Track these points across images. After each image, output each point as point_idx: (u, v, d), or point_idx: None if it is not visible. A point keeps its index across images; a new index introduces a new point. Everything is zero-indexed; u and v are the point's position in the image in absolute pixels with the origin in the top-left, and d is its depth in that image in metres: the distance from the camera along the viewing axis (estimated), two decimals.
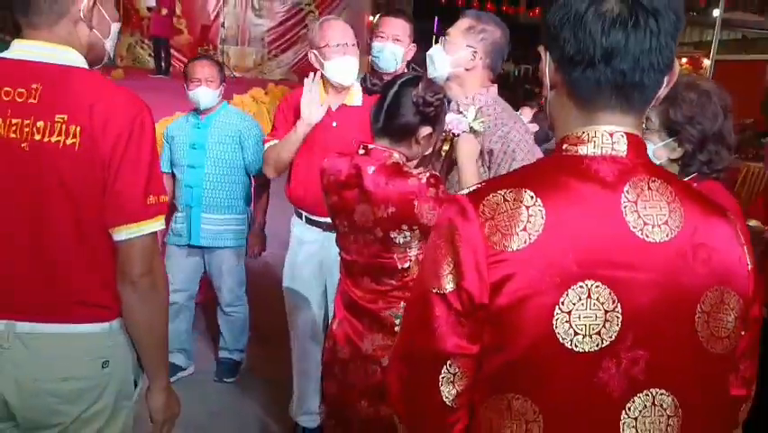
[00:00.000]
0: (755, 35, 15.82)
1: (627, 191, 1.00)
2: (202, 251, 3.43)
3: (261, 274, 4.90)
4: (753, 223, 2.33)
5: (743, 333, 1.06)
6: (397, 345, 1.13)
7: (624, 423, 1.01)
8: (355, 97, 2.80)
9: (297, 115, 2.74)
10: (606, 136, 1.02)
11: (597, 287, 0.97)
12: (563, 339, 0.97)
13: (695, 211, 1.02)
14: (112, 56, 1.69)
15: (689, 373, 1.02)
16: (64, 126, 1.46)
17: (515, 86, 20.59)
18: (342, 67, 2.71)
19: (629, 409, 1.00)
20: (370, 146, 1.95)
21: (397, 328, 1.85)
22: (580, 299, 0.97)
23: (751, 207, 3.53)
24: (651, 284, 0.98)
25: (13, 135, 1.47)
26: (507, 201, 1.00)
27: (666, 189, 1.02)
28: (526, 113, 3.35)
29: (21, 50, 1.53)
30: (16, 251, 1.52)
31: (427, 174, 1.86)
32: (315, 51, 2.75)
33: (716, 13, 17.29)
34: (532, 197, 0.99)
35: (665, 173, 1.06)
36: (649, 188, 1.01)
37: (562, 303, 0.97)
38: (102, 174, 1.48)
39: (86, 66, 1.56)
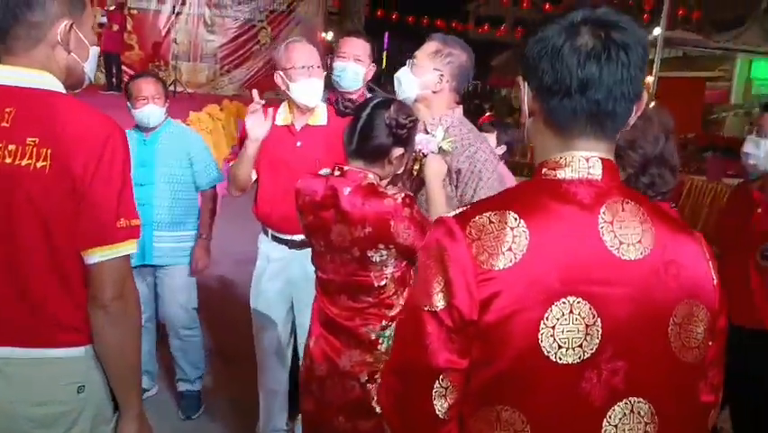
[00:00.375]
0: (696, 53, 16.42)
1: (604, 212, 1.07)
2: (154, 269, 3.39)
3: (219, 293, 4.88)
4: None
5: (710, 343, 1.13)
6: (389, 361, 1.17)
7: (605, 430, 1.07)
8: (319, 117, 2.84)
9: None
10: (582, 161, 1.09)
11: (578, 303, 1.03)
12: (548, 352, 1.03)
13: (664, 230, 1.10)
14: (92, 79, 1.69)
15: (663, 382, 1.09)
16: (35, 149, 1.46)
17: (465, 101, 20.79)
18: (308, 88, 2.75)
19: (610, 417, 1.07)
20: (345, 168, 1.99)
21: (382, 347, 1.88)
22: (563, 315, 1.03)
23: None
24: (627, 299, 1.05)
25: None
26: (493, 223, 1.06)
27: (638, 210, 1.09)
28: (491, 139, 3.45)
29: None
30: None
31: (402, 194, 1.92)
32: (280, 72, 2.79)
33: (657, 31, 17.92)
34: (516, 218, 1.05)
35: (637, 195, 1.13)
36: (623, 209, 1.08)
37: (547, 318, 1.03)
38: (73, 197, 1.48)
39: (63, 90, 1.56)
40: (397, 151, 1.99)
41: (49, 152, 1.46)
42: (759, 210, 2.81)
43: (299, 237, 2.78)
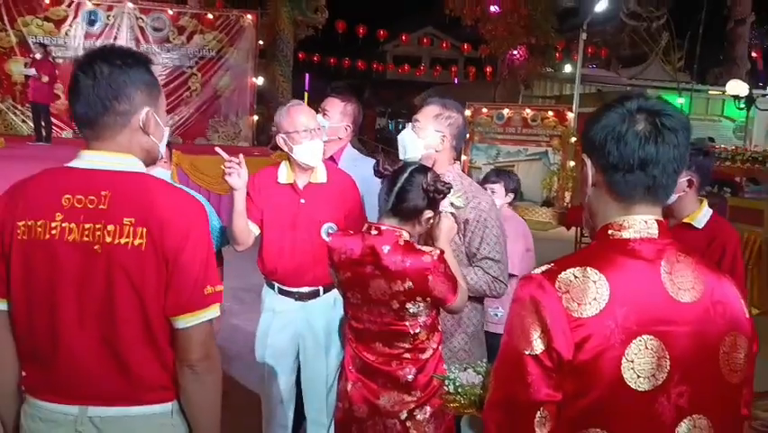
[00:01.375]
0: (609, 89, 17.45)
1: (663, 265, 1.33)
2: None
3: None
4: None
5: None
6: (491, 398, 1.37)
7: None
8: (321, 175, 3.01)
9: (254, 191, 2.94)
10: (642, 223, 1.36)
11: (651, 340, 1.28)
12: (629, 382, 1.27)
13: (710, 276, 1.37)
14: (163, 155, 1.85)
15: (717, 401, 1.35)
16: (132, 229, 1.61)
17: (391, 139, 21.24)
18: (312, 150, 2.92)
19: (678, 432, 1.31)
20: (383, 227, 2.21)
21: (450, 387, 2.05)
22: (639, 351, 1.27)
23: None
24: (687, 335, 1.31)
25: (86, 239, 1.61)
26: (578, 277, 1.30)
27: (689, 261, 1.36)
28: (499, 189, 3.76)
29: (89, 160, 1.67)
30: (89, 343, 1.63)
31: (438, 251, 2.15)
32: (283, 136, 2.94)
33: (568, 68, 18.91)
34: (596, 273, 1.30)
35: (685, 248, 1.39)
36: (678, 261, 1.35)
37: (627, 355, 1.27)
38: (165, 270, 1.63)
39: (145, 170, 1.72)
40: (428, 213, 2.23)
41: (144, 230, 1.61)
42: None
43: (306, 289, 2.95)
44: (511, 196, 3.74)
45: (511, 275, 3.53)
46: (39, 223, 1.62)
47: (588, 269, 1.31)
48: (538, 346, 1.28)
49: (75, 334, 1.63)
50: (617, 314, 1.27)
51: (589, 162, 1.41)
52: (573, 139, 13.16)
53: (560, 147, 13.82)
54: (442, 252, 2.17)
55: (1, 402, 1.77)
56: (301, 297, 2.98)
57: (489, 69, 24.15)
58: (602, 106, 1.41)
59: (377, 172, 2.31)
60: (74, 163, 1.69)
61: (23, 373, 1.74)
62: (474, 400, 1.78)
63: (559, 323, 1.27)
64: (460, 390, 1.83)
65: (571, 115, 13.92)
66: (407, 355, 2.22)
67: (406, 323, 2.18)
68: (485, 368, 1.87)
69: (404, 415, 2.24)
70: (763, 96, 12.64)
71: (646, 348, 1.28)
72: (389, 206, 2.23)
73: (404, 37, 26.05)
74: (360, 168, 3.15)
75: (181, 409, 1.73)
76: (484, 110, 14.53)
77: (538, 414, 1.29)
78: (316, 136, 2.94)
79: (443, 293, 2.17)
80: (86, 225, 1.61)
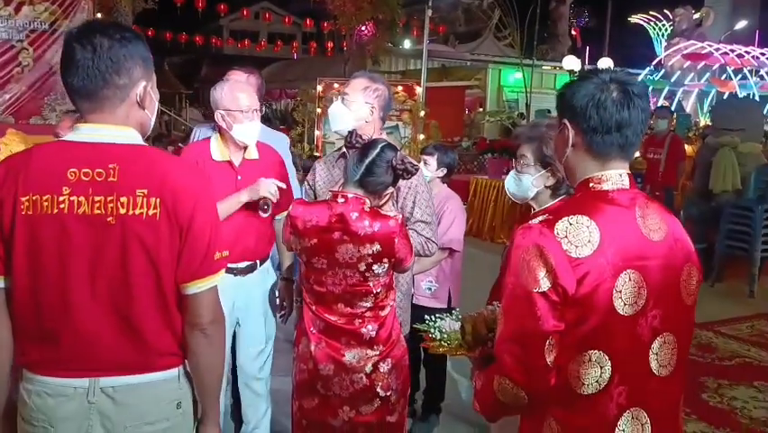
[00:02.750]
0: (451, 64, 18.24)
1: (637, 210, 1.62)
2: None
3: None
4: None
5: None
6: (503, 333, 1.60)
7: (651, 356, 1.61)
8: (253, 152, 3.06)
9: None
10: (617, 176, 1.63)
11: (633, 273, 1.56)
12: (618, 309, 1.54)
13: (669, 218, 1.67)
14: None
15: (679, 320, 1.66)
16: (145, 199, 1.64)
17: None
18: (250, 130, 2.96)
19: (653, 347, 1.61)
20: (349, 195, 2.35)
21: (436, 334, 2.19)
22: (625, 283, 1.55)
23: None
24: (658, 267, 1.60)
25: (98, 211, 1.62)
26: (572, 224, 1.55)
27: (654, 206, 1.66)
28: (432, 161, 3.91)
29: (89, 133, 1.67)
30: (101, 315, 1.66)
31: (400, 216, 2.33)
32: (222, 112, 2.95)
33: (407, 44, 19.49)
34: (587, 219, 1.56)
35: (647, 196, 1.69)
36: (647, 206, 1.64)
37: (616, 286, 1.54)
38: (178, 238, 1.68)
39: (143, 142, 1.74)
40: (390, 189, 2.41)
41: (158, 201, 1.65)
42: None
43: (244, 264, 3.01)
44: (444, 170, 3.88)
45: (453, 250, 3.78)
46: (45, 197, 1.61)
47: (579, 216, 1.56)
48: (545, 284, 1.51)
49: (87, 306, 1.65)
50: (607, 253, 1.53)
51: (569, 126, 1.64)
52: (423, 113, 13.65)
53: (410, 121, 14.24)
54: (402, 216, 2.35)
55: None
56: (239, 272, 3.03)
57: (330, 45, 24.31)
58: (577, 78, 1.67)
59: (348, 143, 2.43)
60: (74, 137, 1.69)
61: (21, 352, 1.72)
62: (461, 343, 1.97)
63: (562, 263, 1.51)
64: (445, 336, 2.02)
65: (419, 90, 14.37)
66: (369, 314, 2.40)
67: (370, 283, 2.35)
68: (460, 316, 2.07)
69: (369, 368, 2.41)
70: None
71: (630, 280, 1.55)
72: (357, 176, 2.37)
73: (245, 11, 25.50)
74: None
75: (186, 373, 1.79)
76: (335, 85, 14.64)
77: (547, 343, 1.53)
78: (256, 117, 2.99)
79: (404, 254, 2.38)
80: (97, 198, 1.62)
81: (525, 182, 2.50)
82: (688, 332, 1.70)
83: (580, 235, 1.53)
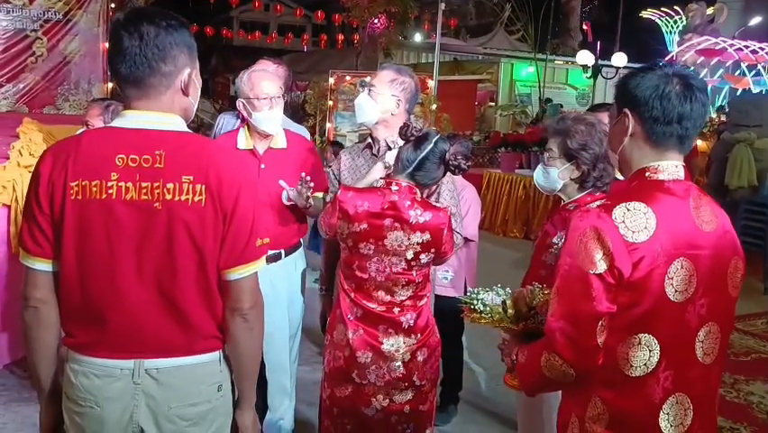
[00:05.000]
0: (464, 57, 18.19)
1: (691, 201, 1.65)
2: None
3: None
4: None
5: None
6: (556, 311, 1.64)
7: (696, 344, 1.65)
8: (280, 141, 3.07)
9: None
10: (673, 167, 1.66)
11: (684, 261, 1.59)
12: (669, 295, 1.58)
13: (719, 211, 1.70)
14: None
15: (724, 311, 1.69)
16: (191, 186, 1.67)
17: None
18: (269, 118, 2.96)
19: (699, 335, 1.65)
20: (403, 183, 2.38)
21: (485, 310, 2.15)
22: (677, 270, 1.59)
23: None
24: (709, 257, 1.63)
25: (145, 197, 1.65)
26: (630, 210, 1.59)
27: (707, 199, 1.69)
28: None
29: (136, 120, 1.70)
30: (148, 298, 1.69)
31: (449, 210, 2.37)
32: (243, 101, 2.97)
33: (418, 37, 19.46)
34: (644, 206, 1.59)
35: (700, 189, 1.71)
36: (700, 198, 1.67)
37: (669, 273, 1.58)
38: (222, 224, 1.71)
39: (187, 129, 1.77)
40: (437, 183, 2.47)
41: (203, 187, 1.67)
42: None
43: (268, 252, 3.02)
44: (468, 168, 3.91)
45: (469, 240, 3.79)
46: (93, 183, 1.64)
47: (636, 203, 1.60)
48: (601, 266, 1.56)
49: (134, 289, 1.68)
50: (661, 240, 1.57)
51: (630, 115, 1.67)
52: (434, 106, 13.65)
53: (421, 114, 14.25)
54: (450, 210, 2.41)
55: (43, 362, 1.78)
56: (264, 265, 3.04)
57: (340, 38, 24.27)
58: (639, 69, 1.70)
59: (403, 136, 2.46)
60: (120, 123, 1.72)
61: (69, 333, 1.75)
62: (502, 317, 2.01)
63: (619, 247, 1.55)
64: (488, 309, 2.05)
65: (431, 83, 14.37)
66: (409, 303, 2.43)
67: (413, 272, 2.39)
68: (504, 291, 2.11)
69: (407, 357, 2.44)
70: (608, 66, 13.77)
71: (682, 268, 1.59)
72: (411, 169, 2.41)
73: (256, 3, 25.47)
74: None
75: (225, 357, 1.83)
76: (347, 78, 14.67)
77: (599, 324, 1.57)
78: (277, 104, 2.98)
79: (448, 247, 2.43)
80: (144, 184, 1.65)
81: (552, 175, 2.52)
82: (730, 323, 1.74)
83: (637, 221, 1.57)
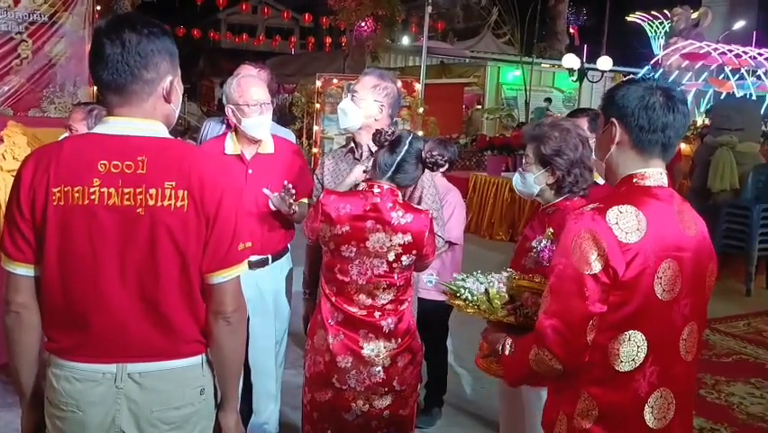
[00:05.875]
0: (450, 61, 18.24)
1: (675, 206, 1.74)
2: None
3: None
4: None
5: None
6: (549, 308, 1.71)
7: (681, 342, 1.74)
8: (268, 146, 3.09)
9: None
10: (658, 174, 1.76)
11: (672, 262, 1.68)
12: (658, 294, 1.67)
13: (697, 217, 1.79)
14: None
15: (702, 312, 1.80)
16: (173, 191, 1.69)
17: None
18: (259, 124, 2.99)
19: (683, 333, 1.74)
20: (385, 186, 2.41)
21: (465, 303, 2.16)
22: (665, 270, 1.67)
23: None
24: (692, 260, 1.73)
25: (127, 202, 1.67)
26: (622, 213, 1.68)
27: (687, 205, 1.79)
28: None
29: (118, 126, 1.72)
30: (130, 303, 1.70)
31: (430, 213, 2.39)
32: (232, 107, 2.99)
33: (406, 40, 19.50)
34: (635, 209, 1.68)
35: (680, 195, 1.79)
36: (682, 203, 1.76)
37: (658, 273, 1.66)
38: (205, 229, 1.73)
39: (168, 135, 1.78)
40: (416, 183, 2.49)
41: (186, 193, 1.69)
42: None
43: (255, 258, 3.02)
44: (446, 165, 3.93)
45: (453, 243, 3.80)
46: (76, 189, 1.65)
47: (628, 206, 1.69)
48: (596, 266, 1.64)
49: (116, 294, 1.69)
50: (652, 241, 1.66)
51: (617, 124, 1.76)
52: (421, 109, 13.67)
53: (408, 117, 14.25)
54: (432, 213, 2.44)
55: (25, 367, 1.79)
56: (250, 265, 3.04)
57: (328, 40, 24.28)
58: (625, 82, 1.82)
59: (377, 142, 2.48)
60: (102, 130, 1.73)
61: (50, 338, 1.76)
62: (488, 307, 2.04)
63: (613, 247, 1.64)
64: (475, 298, 2.06)
65: (418, 87, 14.38)
66: (389, 306, 2.45)
67: (395, 275, 2.41)
68: (485, 277, 2.12)
69: (387, 362, 2.46)
70: (593, 69, 13.86)
71: (669, 268, 1.68)
72: (389, 174, 2.44)
73: (244, 5, 25.46)
74: None
75: (208, 361, 1.84)
76: (335, 81, 14.67)
77: (590, 323, 1.66)
78: (265, 111, 3.01)
79: (429, 250, 2.45)
80: (126, 190, 1.67)
81: (529, 180, 2.54)
82: (704, 323, 1.85)
83: (629, 223, 1.66)
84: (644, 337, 1.69)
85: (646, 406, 1.72)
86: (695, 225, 1.77)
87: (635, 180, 1.77)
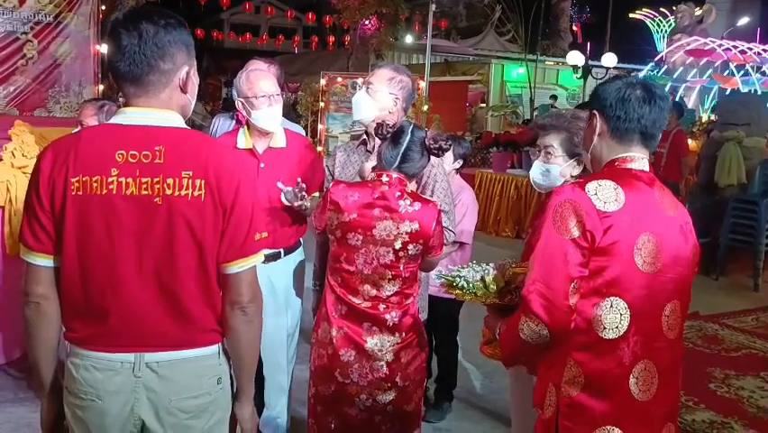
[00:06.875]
0: (454, 59, 18.23)
1: (656, 189, 1.81)
2: None
3: None
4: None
5: None
6: (534, 275, 1.78)
7: (663, 318, 1.81)
8: (280, 140, 3.08)
9: None
10: (640, 159, 1.84)
11: (651, 236, 1.76)
12: (638, 264, 1.74)
13: (677, 203, 1.87)
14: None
15: (685, 291, 1.86)
16: (190, 181, 1.69)
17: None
18: (269, 115, 2.98)
19: (665, 309, 1.81)
20: (393, 175, 2.41)
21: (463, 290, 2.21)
22: (645, 243, 1.74)
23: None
24: (673, 240, 1.80)
25: (145, 192, 1.67)
26: (602, 185, 1.76)
27: (667, 191, 1.86)
28: (449, 153, 3.91)
29: (136, 116, 1.72)
30: (148, 292, 1.71)
31: (440, 205, 2.39)
32: (242, 100, 2.99)
33: (409, 39, 19.51)
34: (614, 184, 1.76)
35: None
36: (663, 188, 1.84)
37: (637, 244, 1.73)
38: (222, 219, 1.73)
39: (185, 125, 1.79)
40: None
41: (203, 182, 1.70)
42: None
43: (267, 252, 3.00)
44: (460, 162, 3.89)
45: (464, 243, 3.80)
46: (94, 179, 1.66)
47: (607, 180, 1.77)
48: (575, 231, 1.73)
49: (134, 284, 1.70)
50: (630, 212, 1.74)
51: (598, 116, 1.87)
52: (426, 107, 13.68)
53: (413, 115, 14.28)
54: (440, 206, 2.45)
55: (44, 358, 1.80)
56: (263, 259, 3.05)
57: (331, 39, 24.29)
58: (610, 79, 1.95)
59: (380, 135, 2.48)
60: (120, 120, 1.74)
61: (70, 328, 1.77)
62: (484, 292, 2.11)
63: (591, 213, 1.72)
64: (471, 286, 2.12)
65: (423, 84, 14.38)
66: (394, 299, 2.42)
67: (401, 265, 2.39)
68: (480, 266, 2.19)
69: (390, 357, 2.44)
70: (598, 66, 13.84)
71: (648, 242, 1.76)
72: (395, 164, 2.44)
73: (247, 5, 25.47)
74: None
75: (224, 350, 1.85)
76: (339, 79, 14.69)
77: (572, 286, 1.73)
78: (275, 102, 3.00)
79: (437, 242, 2.43)
80: (144, 179, 1.67)
81: (554, 172, 2.53)
82: (688, 303, 1.91)
83: (607, 194, 1.75)
84: (626, 306, 1.76)
85: (631, 376, 1.78)
86: (675, 209, 1.85)
87: (617, 164, 1.87)
